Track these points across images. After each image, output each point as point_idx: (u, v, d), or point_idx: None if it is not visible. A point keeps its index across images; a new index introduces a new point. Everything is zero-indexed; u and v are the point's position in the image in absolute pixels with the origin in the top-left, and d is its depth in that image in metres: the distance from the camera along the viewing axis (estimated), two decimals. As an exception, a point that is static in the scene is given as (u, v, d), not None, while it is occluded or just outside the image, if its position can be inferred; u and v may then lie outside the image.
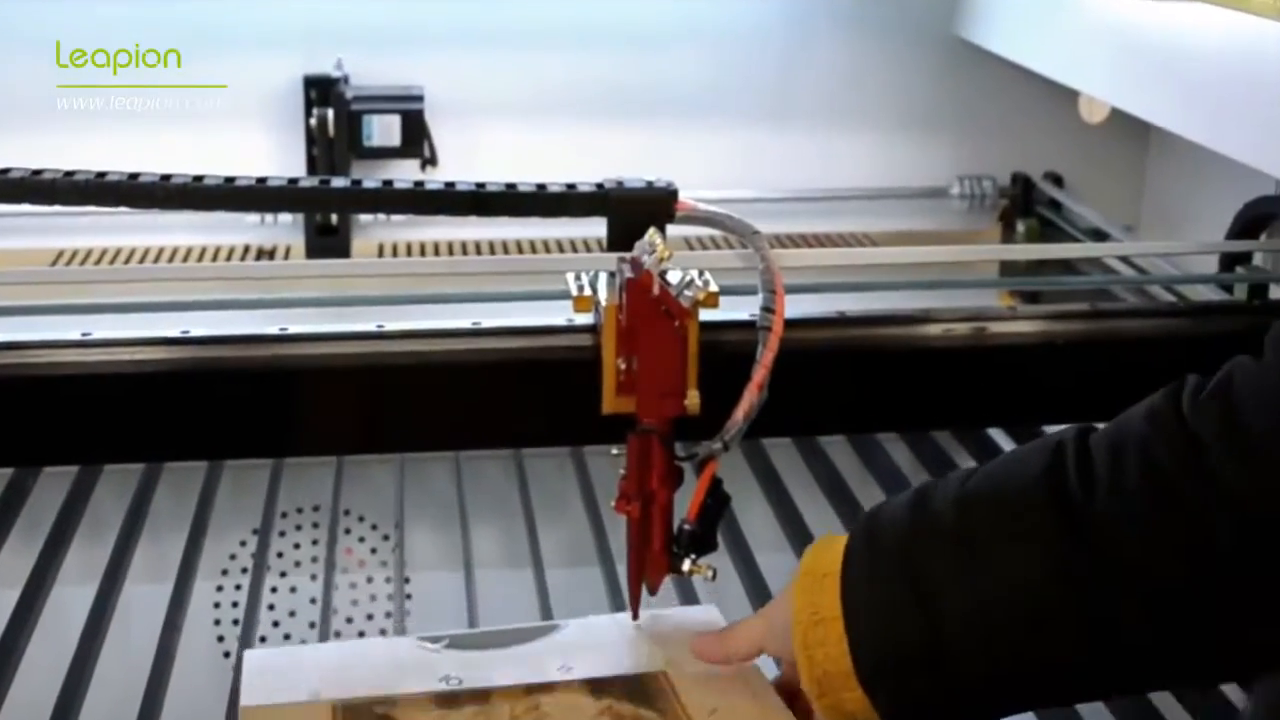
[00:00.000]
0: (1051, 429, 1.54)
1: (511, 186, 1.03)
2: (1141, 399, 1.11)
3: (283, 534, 1.68)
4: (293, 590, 1.69)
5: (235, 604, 1.67)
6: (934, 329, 1.05)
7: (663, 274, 0.90)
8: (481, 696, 0.82)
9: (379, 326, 0.98)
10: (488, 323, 1.00)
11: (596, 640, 0.89)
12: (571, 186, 1.03)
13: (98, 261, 1.67)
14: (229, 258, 1.72)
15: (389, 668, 0.85)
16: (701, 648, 0.85)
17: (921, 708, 0.71)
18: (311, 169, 1.69)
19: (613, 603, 1.25)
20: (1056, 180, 1.80)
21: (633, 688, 0.83)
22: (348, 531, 1.69)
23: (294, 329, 0.99)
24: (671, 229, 1.00)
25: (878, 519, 0.74)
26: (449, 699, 0.81)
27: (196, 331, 0.98)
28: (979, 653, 0.68)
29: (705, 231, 1.13)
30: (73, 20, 1.63)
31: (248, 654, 0.89)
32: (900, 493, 0.75)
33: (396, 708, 0.80)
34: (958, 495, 0.70)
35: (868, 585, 0.72)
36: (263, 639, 1.65)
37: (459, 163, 1.72)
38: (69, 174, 0.99)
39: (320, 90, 1.69)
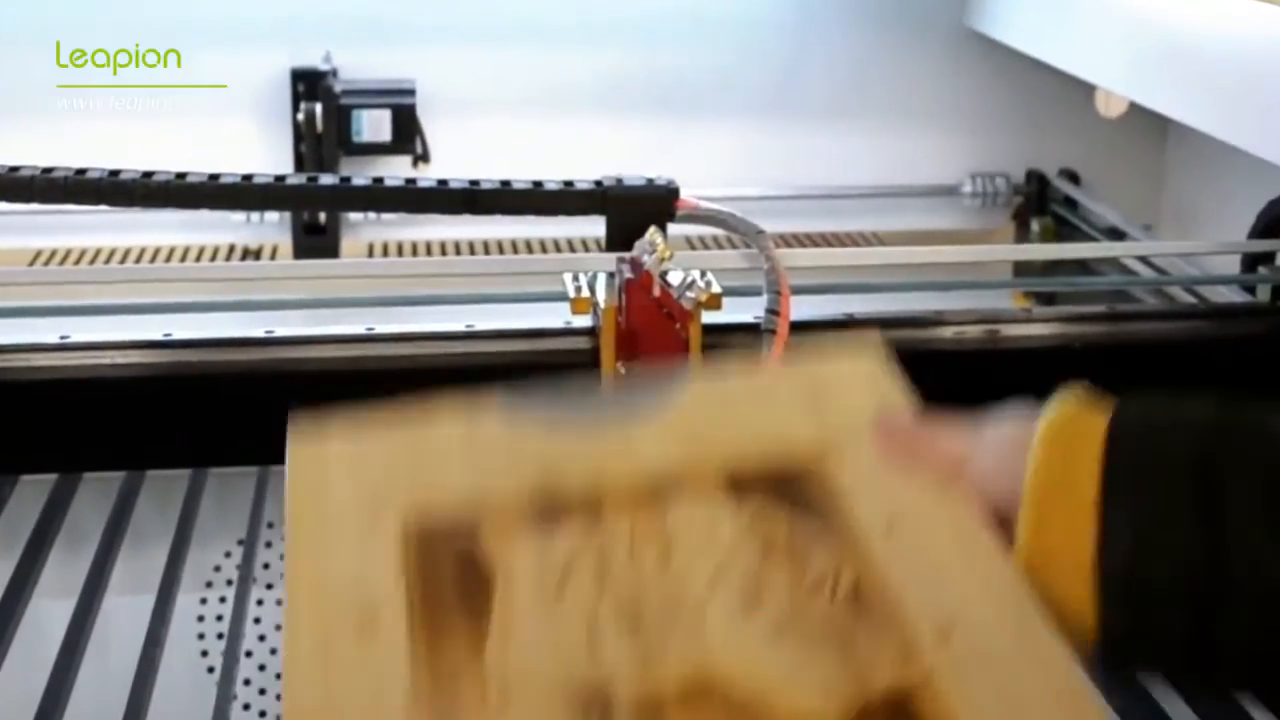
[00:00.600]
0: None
1: (506, 184, 1.03)
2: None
3: (269, 544, 1.68)
4: (279, 603, 1.69)
5: (220, 617, 1.67)
6: (946, 331, 1.05)
7: (663, 275, 0.90)
8: (591, 508, 0.67)
9: (369, 329, 0.98)
10: (482, 325, 1.00)
11: (732, 411, 0.72)
12: (569, 184, 1.03)
13: (77, 262, 1.67)
14: (213, 258, 1.72)
15: (471, 470, 0.68)
16: (887, 442, 0.70)
17: (1148, 647, 0.61)
18: (299, 166, 1.69)
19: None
20: (1072, 177, 1.80)
21: (783, 485, 0.68)
22: (337, 542, 1.69)
23: (281, 331, 0.99)
24: (673, 228, 1.00)
25: (1164, 413, 0.63)
26: (549, 512, 0.66)
27: (180, 334, 0.98)
28: (1254, 624, 0.58)
29: (708, 230, 1.13)
30: (71, 19, 1.63)
31: (294, 439, 0.72)
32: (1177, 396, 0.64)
33: (481, 535, 0.66)
34: None
35: (1144, 495, 0.61)
36: (248, 653, 1.65)
37: (452, 160, 1.72)
38: (47, 171, 0.99)
39: (308, 84, 1.69)
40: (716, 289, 0.91)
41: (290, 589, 0.65)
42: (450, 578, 0.65)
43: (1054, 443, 0.63)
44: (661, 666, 0.61)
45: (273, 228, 1.74)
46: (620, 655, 0.61)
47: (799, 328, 0.92)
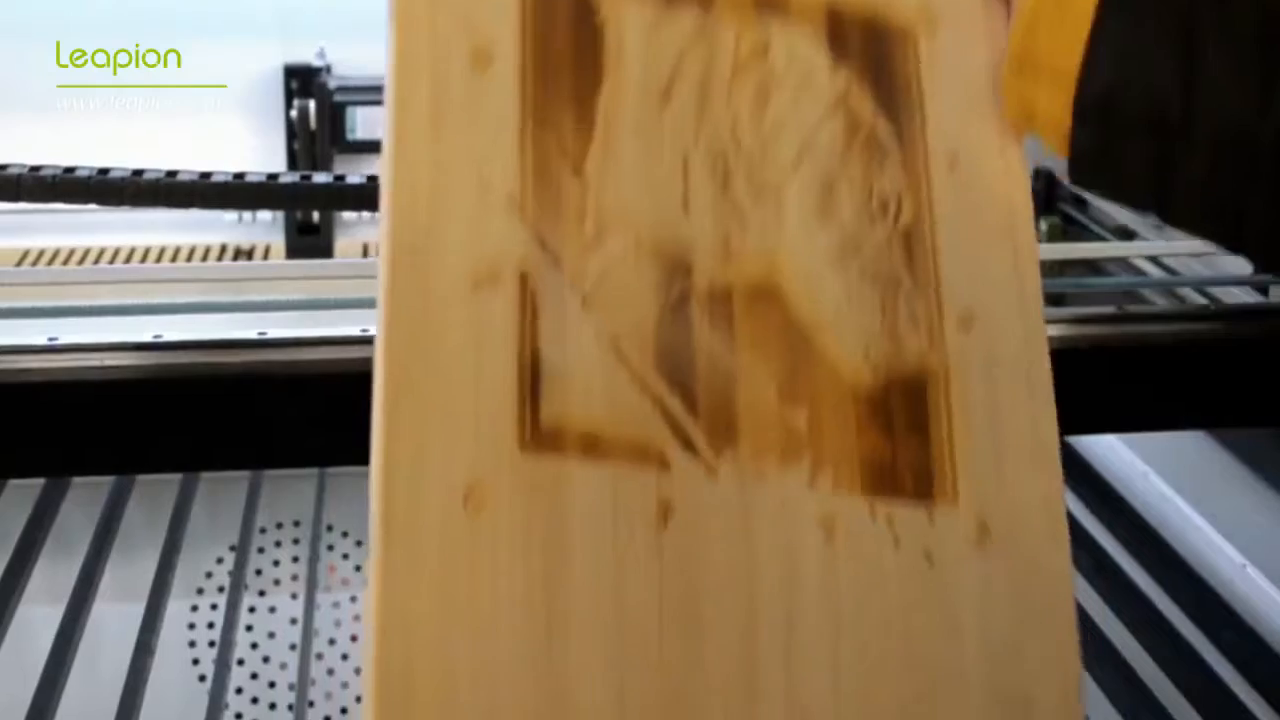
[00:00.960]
0: (1076, 440, 1.54)
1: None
2: (1172, 408, 1.11)
3: (262, 550, 1.68)
4: (272, 610, 1.69)
5: (211, 625, 1.67)
6: (952, 333, 1.04)
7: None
8: None
9: (363, 331, 0.98)
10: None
11: None
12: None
13: (66, 262, 1.67)
14: (204, 258, 1.72)
15: None
16: None
17: (1113, 168, 0.66)
18: (292, 164, 1.69)
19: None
20: (1081, 176, 1.80)
21: (879, 60, 0.70)
22: (330, 548, 1.69)
23: (274, 333, 0.99)
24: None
25: None
26: None
27: (170, 336, 0.98)
28: (1210, 165, 0.62)
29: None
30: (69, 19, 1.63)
31: None
32: None
33: None
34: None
35: (1135, 22, 0.64)
36: (240, 662, 1.65)
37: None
38: (35, 169, 0.99)
39: (301, 80, 1.69)
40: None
41: None
42: (564, 23, 0.63)
43: None
44: (738, 258, 0.64)
45: (265, 227, 1.74)
46: (706, 224, 0.64)
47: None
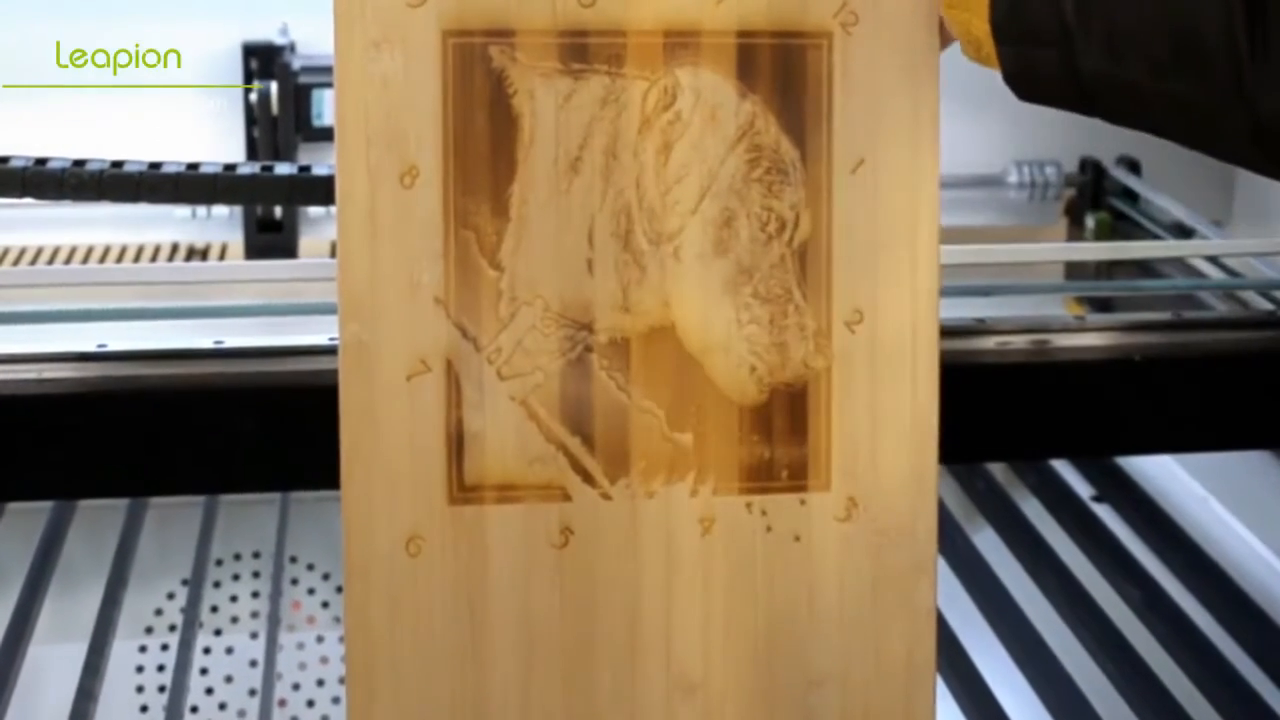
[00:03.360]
0: (1127, 461, 1.54)
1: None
2: (1234, 425, 1.12)
3: (218, 585, 1.68)
4: (229, 651, 1.69)
5: (161, 667, 1.67)
6: (988, 342, 1.05)
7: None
8: (614, 58, 0.81)
9: (331, 339, 0.98)
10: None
11: None
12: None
13: (-1, 263, 1.67)
14: (153, 258, 1.72)
15: None
16: None
17: (1036, 78, 0.77)
18: (252, 153, 1.69)
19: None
20: (1132, 166, 1.80)
21: (789, 78, 0.82)
22: (295, 582, 1.69)
23: (231, 342, 0.99)
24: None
25: None
26: (578, 53, 0.80)
27: (116, 345, 0.98)
28: (1107, 62, 0.72)
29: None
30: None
31: None
32: None
33: (515, 61, 0.80)
34: None
35: None
36: (194, 709, 1.64)
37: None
38: (-35, 160, 0.99)
39: (262, 60, 1.69)
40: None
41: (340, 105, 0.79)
42: (482, 115, 0.80)
43: None
44: (636, 306, 0.82)
45: (221, 224, 1.74)
46: (608, 281, 0.81)
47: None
